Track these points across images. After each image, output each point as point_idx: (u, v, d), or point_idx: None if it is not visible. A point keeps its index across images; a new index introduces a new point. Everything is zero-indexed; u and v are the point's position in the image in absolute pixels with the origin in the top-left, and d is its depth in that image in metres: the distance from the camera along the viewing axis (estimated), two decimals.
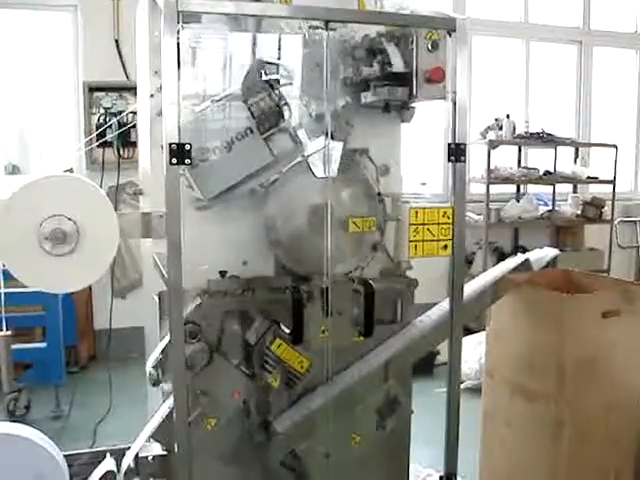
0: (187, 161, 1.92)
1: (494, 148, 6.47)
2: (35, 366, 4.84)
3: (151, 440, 2.24)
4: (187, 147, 1.91)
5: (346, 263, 2.33)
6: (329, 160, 2.24)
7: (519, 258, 2.75)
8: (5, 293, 4.25)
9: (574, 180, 7.09)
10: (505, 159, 6.91)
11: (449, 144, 2.23)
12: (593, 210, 7.14)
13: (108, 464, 2.25)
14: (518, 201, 6.98)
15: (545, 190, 7.15)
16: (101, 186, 5.04)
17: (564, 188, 7.25)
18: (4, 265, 2.03)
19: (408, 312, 2.52)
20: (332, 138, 2.26)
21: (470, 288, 2.58)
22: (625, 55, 7.84)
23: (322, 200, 2.25)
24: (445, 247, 2.26)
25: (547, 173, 6.87)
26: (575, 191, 7.41)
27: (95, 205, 2.06)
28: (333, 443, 2.35)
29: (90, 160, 5.80)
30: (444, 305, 2.56)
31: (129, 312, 5.11)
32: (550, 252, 2.76)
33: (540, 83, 7.37)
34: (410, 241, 2.20)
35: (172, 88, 1.91)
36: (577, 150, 7.36)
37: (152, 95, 2.24)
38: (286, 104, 2.20)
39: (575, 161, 7.31)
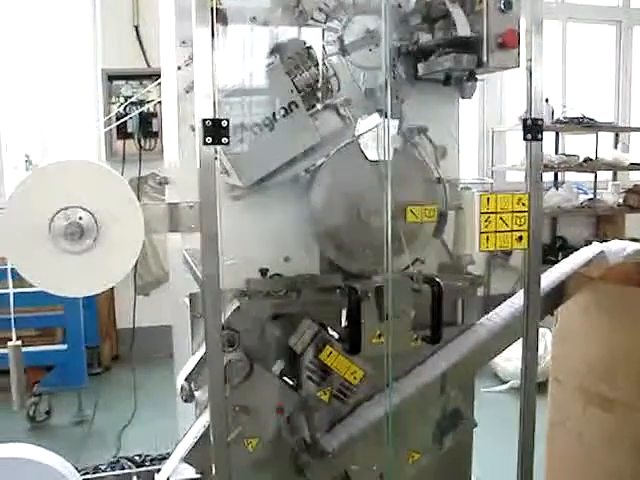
0: (224, 140, 1.63)
1: None
2: (56, 369, 4.62)
3: (183, 463, 1.97)
4: (224, 123, 1.62)
5: (402, 258, 2.03)
6: (386, 140, 1.94)
7: (593, 250, 2.44)
8: (21, 293, 4.03)
9: (616, 167, 6.76)
10: (543, 146, 6.58)
11: (524, 120, 1.94)
12: (635, 198, 6.80)
13: None
14: (557, 189, 6.68)
15: (584, 178, 6.85)
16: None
17: (603, 176, 6.93)
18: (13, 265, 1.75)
19: (471, 312, 2.23)
20: (388, 116, 1.96)
21: None
22: None
23: (375, 186, 1.95)
24: (520, 239, 1.96)
25: (587, 160, 6.55)
26: (615, 179, 7.08)
27: (116, 195, 1.77)
28: (388, 462, 2.06)
29: (110, 152, 5.56)
30: (512, 304, 2.26)
31: (153, 310, 4.89)
32: (630, 246, 2.45)
33: (578, 66, 7.03)
34: (481, 232, 1.90)
35: (205, 55, 1.62)
36: (617, 135, 7.03)
37: (179, 68, 1.96)
38: (335, 76, 1.92)
39: (615, 146, 6.98)
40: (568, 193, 6.59)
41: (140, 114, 5.26)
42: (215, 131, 1.62)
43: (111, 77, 5.56)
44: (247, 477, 1.98)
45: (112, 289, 5.65)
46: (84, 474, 3.65)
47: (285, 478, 2.08)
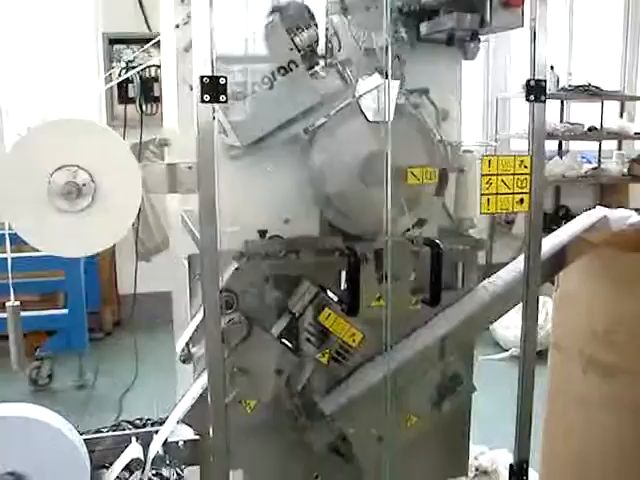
0: (222, 97, 1.60)
1: None
2: (57, 333, 4.65)
3: (181, 424, 1.97)
4: (222, 80, 1.59)
5: (403, 220, 2.01)
6: (386, 101, 1.91)
7: (596, 214, 2.41)
8: (22, 257, 4.03)
9: (621, 136, 6.71)
10: (548, 114, 6.52)
11: (528, 81, 1.91)
12: None
13: (134, 450, 1.98)
14: (561, 158, 6.64)
15: (588, 147, 6.81)
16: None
17: (608, 145, 6.88)
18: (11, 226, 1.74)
19: (471, 277, 2.21)
20: (387, 76, 1.93)
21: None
22: None
23: (375, 148, 1.93)
24: (521, 201, 1.94)
25: (592, 129, 6.50)
26: (620, 148, 7.03)
27: (114, 154, 1.74)
28: (386, 425, 2.06)
29: (112, 116, 5.53)
30: (515, 268, 2.24)
31: (155, 276, 4.87)
32: (634, 216, 2.41)
33: (585, 33, 6.94)
34: (482, 194, 1.87)
35: (203, 12, 1.59)
36: (622, 104, 6.96)
37: (177, 26, 1.92)
38: (335, 35, 1.88)
39: (621, 115, 6.92)
40: (572, 162, 6.56)
41: (141, 78, 5.20)
42: (213, 88, 1.59)
43: (112, 41, 5.51)
44: (245, 439, 1.98)
45: (114, 255, 5.66)
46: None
47: (283, 440, 2.07)
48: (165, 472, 3.08)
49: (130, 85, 5.40)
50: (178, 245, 2.39)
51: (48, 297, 5.26)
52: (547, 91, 6.17)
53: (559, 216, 6.56)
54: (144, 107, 5.39)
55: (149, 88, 5.39)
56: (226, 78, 1.60)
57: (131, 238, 4.08)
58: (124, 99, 5.44)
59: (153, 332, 4.94)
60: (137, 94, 5.37)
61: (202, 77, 1.59)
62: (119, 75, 5.37)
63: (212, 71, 1.59)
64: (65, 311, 4.62)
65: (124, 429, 3.76)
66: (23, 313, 4.51)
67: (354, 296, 1.88)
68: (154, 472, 3.00)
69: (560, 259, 2.37)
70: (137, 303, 4.52)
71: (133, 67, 5.31)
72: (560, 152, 6.81)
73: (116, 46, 5.53)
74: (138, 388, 4.40)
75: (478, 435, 3.21)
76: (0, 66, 5.34)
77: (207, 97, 1.59)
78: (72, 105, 5.44)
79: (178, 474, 2.80)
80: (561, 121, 6.72)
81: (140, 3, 5.46)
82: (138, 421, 3.90)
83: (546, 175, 6.56)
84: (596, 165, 6.66)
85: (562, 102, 6.80)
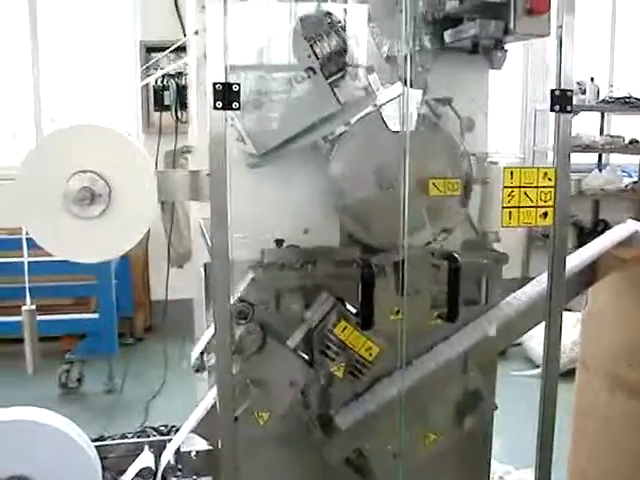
0: (235, 104, 1.58)
1: (576, 114, 5.98)
2: (87, 337, 4.67)
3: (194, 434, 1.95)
4: (235, 87, 1.57)
5: (424, 233, 1.96)
6: (406, 111, 1.88)
7: (628, 228, 2.34)
8: (55, 261, 4.06)
9: None
10: (587, 126, 6.42)
11: (552, 91, 1.85)
12: None
13: (146, 459, 1.97)
14: (600, 171, 6.50)
15: (629, 160, 6.66)
16: (158, 150, 4.81)
17: None
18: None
19: (494, 292, 2.15)
20: (409, 85, 1.89)
21: (567, 265, 2.19)
22: None
23: (397, 158, 1.89)
24: (545, 215, 1.88)
25: (633, 141, 6.36)
26: None
27: (130, 161, 1.73)
28: (403, 442, 2.01)
29: (147, 124, 5.57)
30: (535, 285, 2.18)
31: (187, 282, 4.88)
32: None
33: (627, 43, 6.80)
34: (504, 207, 1.82)
35: (218, 18, 1.57)
36: None
37: (196, 32, 1.91)
38: (357, 43, 1.85)
39: None
40: (612, 175, 6.42)
41: (177, 85, 5.24)
42: (225, 95, 1.57)
43: (149, 49, 5.55)
44: (257, 451, 1.95)
45: (147, 260, 5.68)
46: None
47: (297, 454, 2.04)
48: None
49: (166, 92, 5.44)
50: (197, 253, 2.37)
51: (82, 301, 5.30)
52: (586, 103, 6.05)
53: (598, 231, 6.41)
54: (179, 114, 5.44)
55: (185, 95, 5.42)
56: (239, 85, 1.58)
57: (164, 244, 4.11)
58: (160, 106, 5.47)
59: (184, 339, 4.93)
60: (172, 102, 5.43)
61: (215, 84, 1.57)
62: (155, 83, 5.44)
63: (225, 78, 1.57)
64: (96, 315, 4.64)
65: (148, 435, 3.76)
66: (55, 317, 4.58)
67: (367, 309, 1.84)
68: None
69: (589, 274, 2.31)
70: (168, 309, 4.53)
71: (169, 75, 5.37)
72: (600, 165, 6.67)
73: (153, 54, 5.55)
74: (165, 394, 4.40)
75: (505, 454, 3.15)
76: (46, 75, 5.41)
77: (219, 104, 1.57)
78: (110, 113, 5.52)
79: None
80: (601, 134, 6.58)
81: (177, 11, 5.49)
82: (163, 427, 3.88)
83: (584, 189, 6.41)
84: (637, 179, 6.50)
85: (602, 114, 6.67)
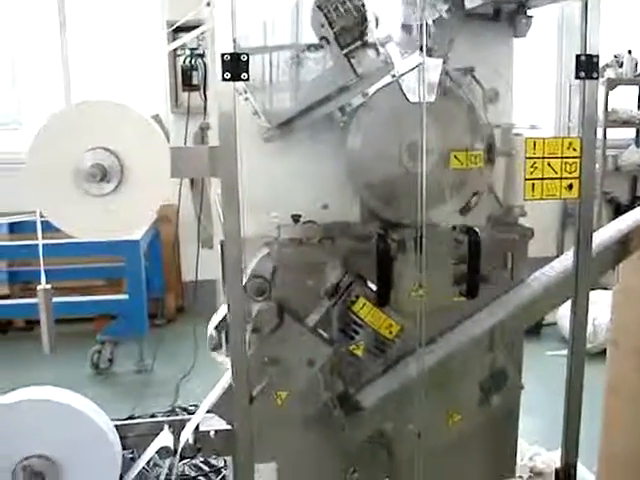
0: (244, 75, 1.54)
1: (612, 88, 5.82)
2: (118, 318, 4.70)
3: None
4: (244, 58, 1.52)
5: (446, 206, 1.90)
6: (426, 81, 1.81)
7: None
8: (84, 242, 4.08)
9: None
10: (625, 100, 6.24)
11: (578, 56, 1.77)
12: None
13: (165, 438, 1.95)
14: (638, 146, 6.33)
15: None
16: (186, 130, 4.79)
17: None
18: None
19: (520, 268, 2.08)
20: (429, 54, 1.82)
21: (596, 240, 2.11)
22: None
23: (417, 130, 1.83)
24: (570, 187, 1.81)
25: None
26: None
27: (143, 136, 1.70)
28: (426, 422, 1.96)
29: (176, 104, 5.55)
30: (564, 260, 2.11)
31: (217, 263, 4.87)
32: None
33: None
34: (527, 179, 1.76)
35: None
36: None
37: (208, 4, 1.86)
38: (373, 11, 1.79)
39: None
40: None
41: (205, 65, 5.20)
42: (234, 66, 1.52)
43: (177, 29, 5.51)
44: (275, 431, 1.92)
45: (177, 241, 5.69)
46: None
47: (317, 434, 2.00)
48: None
49: (194, 72, 5.42)
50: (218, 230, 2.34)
51: (114, 282, 5.34)
52: (624, 76, 5.88)
53: (635, 208, 6.26)
54: (208, 94, 5.41)
55: None
56: (248, 55, 1.53)
57: (194, 225, 4.10)
58: (188, 86, 5.44)
59: None
60: (200, 81, 5.40)
61: (223, 55, 1.53)
62: (184, 63, 5.42)
63: (234, 48, 1.53)
64: (126, 296, 4.65)
65: (177, 414, 3.77)
66: (86, 297, 4.60)
67: (384, 285, 1.79)
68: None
69: (622, 248, 2.22)
70: (199, 290, 4.53)
71: (198, 55, 5.34)
72: (637, 140, 6.50)
73: (181, 34, 5.52)
74: (196, 375, 4.40)
75: (538, 435, 3.09)
76: (75, 58, 5.42)
77: (228, 75, 1.53)
78: (138, 94, 5.51)
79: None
80: (639, 108, 6.40)
81: None
82: (192, 407, 3.89)
83: (621, 165, 6.26)
84: None
85: None
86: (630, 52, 5.99)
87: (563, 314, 4.44)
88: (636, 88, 6.45)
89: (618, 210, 6.25)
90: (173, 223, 5.17)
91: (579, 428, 1.98)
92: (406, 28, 1.86)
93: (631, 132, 6.48)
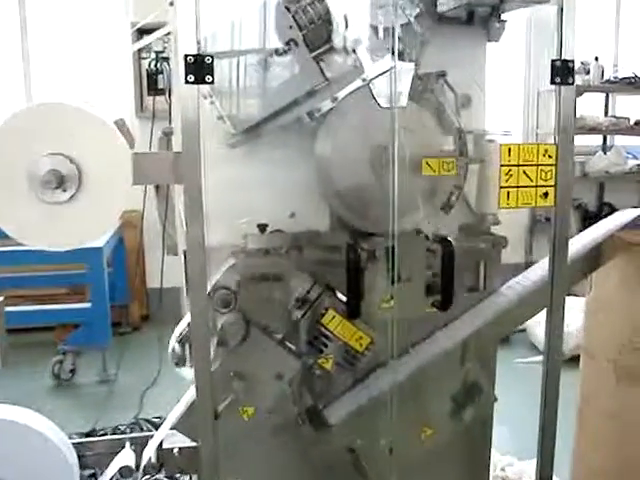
0: (208, 78, 1.46)
1: (579, 95, 5.84)
2: (80, 327, 4.58)
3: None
4: (208, 60, 1.45)
5: (417, 215, 1.84)
6: (397, 86, 1.75)
7: (632, 213, 2.23)
8: (42, 250, 3.96)
9: None
10: (591, 107, 6.28)
11: (553, 61, 1.72)
12: None
13: (126, 457, 1.86)
14: (605, 153, 6.37)
15: (635, 142, 6.52)
16: (151, 134, 4.68)
17: None
18: None
19: (493, 277, 2.04)
20: (401, 58, 1.77)
21: (570, 248, 2.07)
22: None
23: (388, 136, 1.77)
24: (546, 195, 1.76)
25: (639, 123, 6.22)
26: None
27: (103, 142, 1.61)
28: (397, 437, 1.90)
29: (141, 108, 5.46)
30: (538, 270, 2.07)
31: (182, 270, 4.78)
32: None
33: (632, 22, 6.64)
34: (501, 187, 1.71)
35: None
36: None
37: (171, 3, 1.79)
38: (343, 13, 1.73)
39: None
40: (617, 157, 6.29)
41: (170, 68, 5.12)
42: (197, 68, 1.45)
43: (142, 31, 5.42)
44: (241, 448, 1.85)
45: (142, 248, 5.57)
46: (102, 434, 3.61)
47: (285, 450, 1.93)
48: None
49: (160, 76, 5.33)
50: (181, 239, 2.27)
51: (77, 290, 5.21)
52: (590, 83, 5.89)
53: (603, 214, 6.29)
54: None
55: None
56: (212, 57, 1.46)
57: (159, 232, 4.00)
58: (154, 90, 5.35)
59: None
60: (166, 84, 5.31)
61: (186, 56, 1.45)
62: (149, 66, 5.33)
63: (198, 50, 1.45)
64: (88, 305, 4.54)
65: (142, 428, 3.67)
66: (47, 306, 4.47)
67: (354, 297, 1.73)
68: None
69: (594, 258, 2.19)
70: (165, 298, 4.43)
71: (164, 58, 5.24)
72: (604, 147, 6.55)
73: (146, 36, 5.43)
74: (161, 385, 4.30)
75: (509, 445, 3.05)
76: (37, 61, 5.30)
77: (191, 77, 1.45)
78: (103, 98, 5.40)
79: None
80: (606, 115, 6.44)
81: None
82: (157, 419, 3.79)
83: (589, 171, 6.30)
84: None
85: (607, 95, 6.53)
86: (597, 59, 6.03)
87: (533, 321, 4.42)
88: (602, 95, 6.49)
89: (586, 217, 6.28)
90: (138, 229, 5.06)
91: (554, 442, 1.93)
92: (376, 31, 1.80)
93: (598, 139, 6.52)
